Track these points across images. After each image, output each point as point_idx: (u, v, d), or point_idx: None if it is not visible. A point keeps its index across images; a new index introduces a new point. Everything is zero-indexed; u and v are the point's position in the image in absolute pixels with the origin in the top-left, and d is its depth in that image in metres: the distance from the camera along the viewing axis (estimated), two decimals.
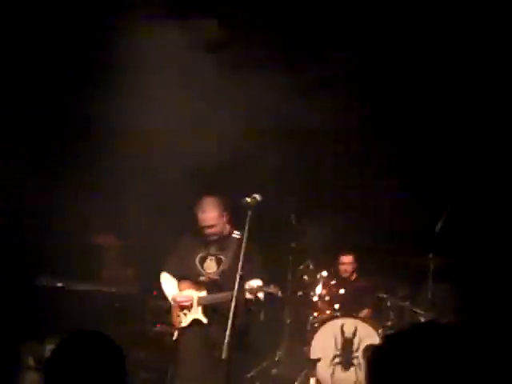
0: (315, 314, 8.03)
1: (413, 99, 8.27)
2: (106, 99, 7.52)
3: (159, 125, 7.55)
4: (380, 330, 7.62)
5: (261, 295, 5.91)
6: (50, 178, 8.34)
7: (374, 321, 7.83)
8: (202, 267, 6.24)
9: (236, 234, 6.18)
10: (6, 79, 7.82)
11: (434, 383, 1.76)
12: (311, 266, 8.19)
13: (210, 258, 6.23)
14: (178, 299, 6.24)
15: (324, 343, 7.66)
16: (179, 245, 6.48)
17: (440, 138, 8.50)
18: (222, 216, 6.16)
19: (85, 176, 8.39)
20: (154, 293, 8.74)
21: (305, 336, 7.91)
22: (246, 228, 5.46)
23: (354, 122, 8.44)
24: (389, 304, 8.13)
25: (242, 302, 5.68)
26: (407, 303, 7.98)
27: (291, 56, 7.84)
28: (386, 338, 1.95)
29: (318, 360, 7.57)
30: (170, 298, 6.38)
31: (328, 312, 8.04)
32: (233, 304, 5.21)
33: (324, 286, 8.11)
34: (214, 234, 6.19)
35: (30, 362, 7.38)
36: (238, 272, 5.28)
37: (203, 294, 6.16)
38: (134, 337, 8.46)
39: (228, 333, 5.09)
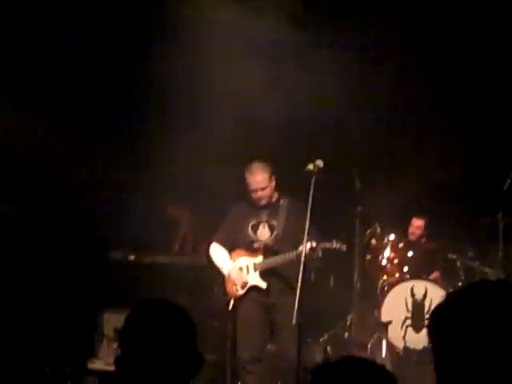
0: (384, 277, 8.04)
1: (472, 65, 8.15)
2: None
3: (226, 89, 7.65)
4: (451, 291, 7.57)
5: (320, 253, 5.82)
6: (118, 151, 8.51)
7: (445, 282, 7.80)
8: (256, 234, 6.20)
9: (283, 200, 6.18)
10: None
11: (499, 344, 1.75)
12: (378, 230, 8.18)
13: (262, 224, 6.18)
14: (233, 278, 6.17)
15: (395, 306, 7.66)
16: (229, 214, 6.43)
17: (502, 99, 8.35)
18: (271, 180, 6.08)
19: (154, 148, 8.52)
20: None
21: (375, 299, 7.93)
22: (311, 193, 5.53)
23: (419, 90, 8.34)
24: (459, 265, 8.06)
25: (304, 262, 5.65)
26: (477, 263, 7.90)
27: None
28: (448, 297, 1.94)
29: (390, 323, 7.58)
30: (224, 271, 6.31)
31: (397, 275, 8.04)
32: (301, 266, 5.27)
33: (392, 249, 8.10)
34: (263, 198, 6.10)
35: (108, 331, 7.60)
36: (306, 231, 5.35)
37: (259, 259, 6.14)
38: (206, 307, 8.62)
39: (297, 298, 5.15)
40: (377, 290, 8.00)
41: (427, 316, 7.54)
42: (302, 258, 5.32)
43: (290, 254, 5.78)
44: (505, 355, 1.73)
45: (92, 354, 7.75)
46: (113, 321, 7.50)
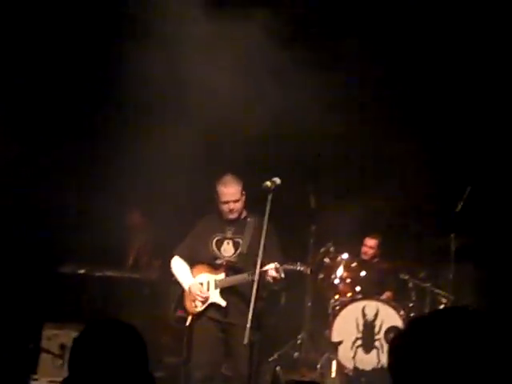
0: (336, 296, 8.03)
1: (435, 79, 8.22)
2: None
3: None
4: (402, 312, 7.60)
5: (283, 275, 5.76)
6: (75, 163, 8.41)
7: (396, 302, 7.80)
8: (219, 250, 6.11)
9: (251, 218, 6.09)
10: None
11: (459, 371, 1.72)
12: (332, 249, 8.17)
13: (226, 241, 6.08)
14: (194, 291, 6.04)
15: (345, 326, 7.65)
16: (195, 227, 6.31)
17: (459, 120, 8.44)
18: (243, 194, 6.03)
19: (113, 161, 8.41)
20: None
21: (326, 319, 7.91)
22: (267, 210, 5.48)
23: (381, 111, 8.38)
24: (410, 285, 8.09)
25: (264, 284, 5.62)
26: (429, 284, 7.94)
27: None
28: (409, 324, 1.91)
29: (340, 343, 7.57)
30: (184, 286, 6.18)
31: (349, 294, 8.03)
32: (255, 286, 5.20)
33: (345, 269, 8.10)
34: (235, 211, 6.00)
35: (54, 347, 7.41)
36: (260, 252, 5.27)
37: (221, 276, 6.03)
38: (156, 323, 8.51)
39: (250, 317, 5.08)
40: (328, 309, 7.97)
41: (378, 336, 7.55)
42: (256, 276, 5.24)
43: (252, 274, 5.69)
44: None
45: (35, 369, 7.55)
46: (59, 336, 7.33)
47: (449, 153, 8.59)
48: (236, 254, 6.06)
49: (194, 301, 6.06)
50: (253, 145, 8.16)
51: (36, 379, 7.45)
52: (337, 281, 8.07)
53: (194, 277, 6.17)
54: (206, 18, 7.28)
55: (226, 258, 6.05)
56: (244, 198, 6.05)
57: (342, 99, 7.97)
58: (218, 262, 6.08)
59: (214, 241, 6.12)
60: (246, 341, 5.06)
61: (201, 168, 8.01)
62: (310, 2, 7.94)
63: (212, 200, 6.19)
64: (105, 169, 8.45)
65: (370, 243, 8.46)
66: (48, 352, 7.39)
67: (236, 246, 6.06)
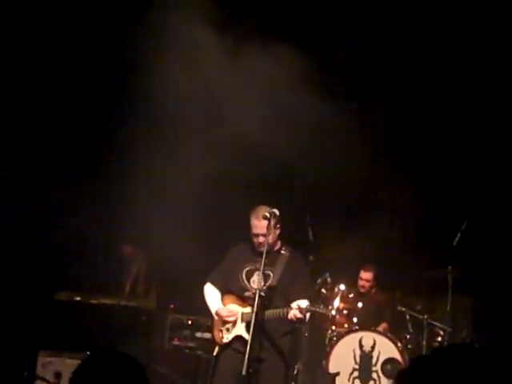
0: (333, 327, 7.99)
1: (433, 110, 8.29)
2: None
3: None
4: (399, 344, 7.58)
5: (308, 315, 5.68)
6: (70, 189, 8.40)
7: (393, 334, 7.78)
8: (249, 282, 5.94)
9: (284, 251, 5.97)
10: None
11: None
12: (329, 280, 8.16)
13: (257, 272, 5.87)
14: (223, 313, 5.94)
15: (343, 357, 7.62)
16: (227, 255, 6.18)
17: (455, 151, 8.50)
18: (276, 228, 5.85)
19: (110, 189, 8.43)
20: (172, 306, 8.79)
21: (323, 350, 7.87)
22: (267, 241, 5.52)
23: (379, 139, 8.43)
24: (407, 317, 8.10)
25: (287, 320, 5.58)
26: (426, 316, 7.92)
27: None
28: (412, 362, 1.91)
29: (337, 374, 7.53)
30: (213, 312, 6.06)
31: (346, 326, 8.01)
32: (253, 320, 5.19)
33: (342, 300, 8.08)
34: (264, 245, 5.74)
35: (49, 375, 7.37)
36: (260, 272, 5.35)
37: (248, 309, 5.83)
38: (152, 351, 8.48)
39: (248, 348, 5.07)
40: (325, 340, 7.94)
41: (375, 368, 7.52)
42: (255, 308, 5.23)
43: (278, 311, 5.64)
44: None
45: None
46: (54, 364, 7.30)
47: (447, 186, 8.63)
48: (265, 286, 5.86)
49: (221, 331, 5.96)
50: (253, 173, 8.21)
51: None
52: (334, 312, 8.03)
53: (224, 305, 6.04)
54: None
55: (255, 291, 5.79)
56: (278, 231, 5.89)
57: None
58: (247, 294, 5.93)
59: (245, 271, 5.98)
60: (244, 372, 5.04)
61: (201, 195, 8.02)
62: None
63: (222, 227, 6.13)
64: (104, 199, 8.51)
65: (366, 276, 8.47)
66: (43, 380, 7.35)
67: (266, 278, 5.87)
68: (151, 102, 7.77)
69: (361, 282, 8.48)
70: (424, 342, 7.81)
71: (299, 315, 5.55)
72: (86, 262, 8.72)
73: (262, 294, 5.67)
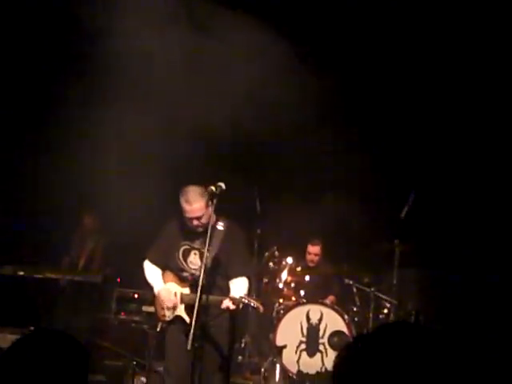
0: (281, 300, 8.01)
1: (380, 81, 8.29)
2: None
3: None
4: (346, 316, 7.63)
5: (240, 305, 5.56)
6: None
7: (340, 307, 7.83)
8: (186, 261, 5.81)
9: (220, 226, 5.80)
10: None
11: None
12: (277, 253, 8.17)
13: (194, 251, 5.81)
14: (162, 297, 5.81)
15: (290, 330, 7.65)
16: (163, 233, 5.97)
17: (402, 121, 8.52)
18: (208, 206, 5.63)
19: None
20: (118, 280, 8.71)
21: (270, 323, 7.88)
22: (211, 216, 5.45)
23: (326, 109, 8.38)
24: (354, 290, 8.16)
25: (219, 305, 5.50)
26: (373, 289, 7.99)
27: None
28: (353, 341, 1.89)
29: (284, 346, 7.56)
30: (155, 291, 5.93)
31: (293, 299, 8.02)
32: (196, 302, 5.11)
33: (289, 273, 8.09)
34: (199, 227, 5.68)
35: None
36: (205, 255, 5.20)
37: (186, 290, 5.80)
38: (98, 325, 8.40)
39: (193, 324, 5.02)
40: (273, 313, 7.95)
41: (322, 340, 7.57)
42: (200, 283, 5.17)
43: (212, 299, 5.55)
44: None
45: None
46: None
47: (394, 157, 8.66)
48: (201, 266, 5.60)
49: (162, 308, 5.83)
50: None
51: None
52: (281, 285, 8.06)
53: (164, 283, 5.92)
54: None
55: (192, 271, 5.79)
56: (210, 209, 5.63)
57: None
58: (185, 274, 5.84)
59: (181, 250, 5.85)
60: (189, 347, 5.01)
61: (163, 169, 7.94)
62: None
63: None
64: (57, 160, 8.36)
65: (314, 250, 8.46)
66: None
67: (202, 258, 5.66)
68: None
69: (309, 257, 8.48)
70: (371, 315, 7.89)
71: (232, 306, 5.50)
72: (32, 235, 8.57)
73: (199, 274, 5.60)
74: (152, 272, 5.99)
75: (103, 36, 7.25)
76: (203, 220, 5.64)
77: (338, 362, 1.83)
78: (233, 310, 5.58)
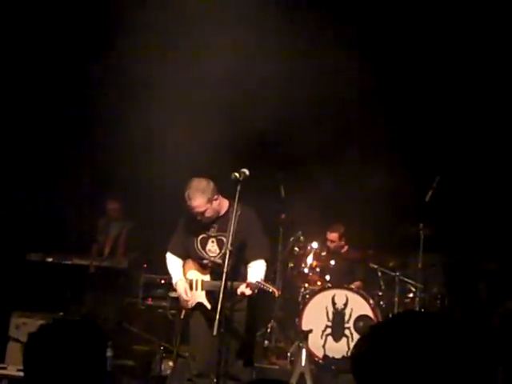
0: (306, 285, 8.04)
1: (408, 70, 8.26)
2: None
3: None
4: (371, 301, 7.63)
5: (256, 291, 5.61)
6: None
7: (365, 291, 7.83)
8: (205, 250, 5.88)
9: (233, 212, 5.62)
10: None
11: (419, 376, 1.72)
12: (302, 238, 8.18)
13: (211, 239, 5.84)
14: (179, 289, 5.89)
15: (315, 314, 7.67)
16: (179, 224, 6.03)
17: (430, 107, 8.48)
18: (212, 200, 5.70)
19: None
20: (145, 266, 8.78)
21: (296, 308, 7.91)
22: (236, 201, 5.45)
23: (352, 93, 8.36)
24: (379, 274, 8.16)
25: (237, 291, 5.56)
26: (398, 273, 7.99)
27: None
28: (370, 330, 1.89)
29: (310, 331, 7.56)
30: (173, 281, 6.03)
31: (319, 283, 8.05)
32: (223, 279, 5.16)
33: (315, 258, 8.11)
34: (205, 219, 5.76)
35: (22, 336, 7.36)
36: (229, 240, 5.22)
37: (207, 277, 5.86)
38: (126, 311, 8.49)
39: (218, 310, 5.07)
40: (298, 298, 7.99)
41: (347, 325, 7.59)
42: (225, 269, 5.21)
43: (235, 283, 5.60)
44: None
45: (3, 358, 7.51)
46: (28, 325, 7.28)
47: (420, 142, 8.63)
48: (221, 254, 5.81)
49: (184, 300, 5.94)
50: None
51: (4, 368, 7.41)
52: (306, 270, 8.08)
53: (185, 273, 5.99)
54: None
55: (212, 259, 5.85)
56: (216, 201, 5.73)
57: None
58: (204, 262, 5.91)
59: (199, 239, 5.90)
60: (214, 332, 5.05)
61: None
62: None
63: None
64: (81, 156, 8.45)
65: (331, 237, 8.44)
66: (16, 341, 7.34)
67: (220, 245, 5.83)
68: None
69: (327, 243, 8.49)
70: (396, 299, 7.89)
71: (248, 292, 5.54)
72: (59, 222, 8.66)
73: (219, 261, 5.70)
74: (172, 263, 6.07)
75: None
76: (207, 214, 5.72)
77: (356, 350, 1.83)
78: (249, 296, 5.62)
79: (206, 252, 5.89)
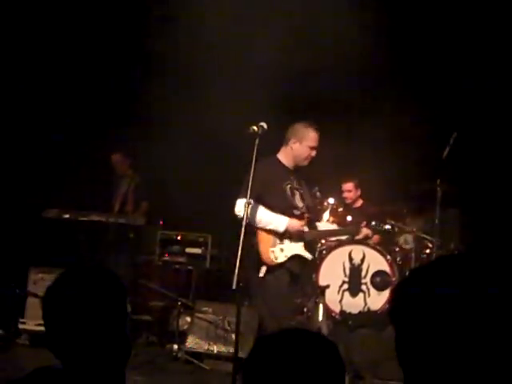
0: (323, 241, 8.02)
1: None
2: None
3: None
4: (388, 257, 7.62)
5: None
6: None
7: (382, 247, 7.82)
8: (295, 199, 5.66)
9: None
10: None
11: (460, 318, 1.65)
12: (318, 194, 8.13)
13: (295, 190, 5.68)
14: (296, 225, 5.52)
15: (332, 270, 7.68)
16: (256, 172, 5.10)
17: (445, 64, 8.38)
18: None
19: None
20: (161, 222, 8.79)
21: (313, 263, 7.90)
22: (254, 156, 5.35)
23: (369, 47, 8.26)
24: (396, 230, 8.12)
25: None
26: (415, 229, 7.97)
27: None
28: (410, 273, 1.82)
29: (327, 286, 7.57)
30: (282, 226, 5.54)
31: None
32: (242, 232, 5.07)
33: (331, 213, 8.07)
34: (311, 159, 5.77)
35: (41, 291, 7.41)
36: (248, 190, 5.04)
37: (305, 228, 5.65)
38: (143, 267, 8.53)
39: (238, 264, 5.03)
40: (315, 253, 7.96)
41: (364, 280, 7.59)
42: (244, 222, 5.14)
43: (341, 230, 5.71)
44: (480, 345, 1.51)
45: (23, 313, 7.58)
46: (46, 280, 7.34)
47: (437, 98, 8.54)
48: (304, 205, 5.70)
49: (272, 252, 5.57)
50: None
51: (24, 322, 7.49)
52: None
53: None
54: None
55: (301, 210, 5.62)
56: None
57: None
58: (296, 212, 5.66)
59: (288, 189, 5.68)
60: (234, 286, 5.03)
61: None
62: None
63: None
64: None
65: (347, 187, 8.60)
66: (35, 295, 7.41)
67: (302, 197, 5.69)
68: None
69: (344, 194, 8.64)
70: (413, 255, 7.88)
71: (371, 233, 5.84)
72: (75, 179, 8.66)
73: (307, 213, 5.69)
74: (263, 211, 5.56)
75: None
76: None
77: (394, 294, 1.78)
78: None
79: (296, 202, 5.73)
